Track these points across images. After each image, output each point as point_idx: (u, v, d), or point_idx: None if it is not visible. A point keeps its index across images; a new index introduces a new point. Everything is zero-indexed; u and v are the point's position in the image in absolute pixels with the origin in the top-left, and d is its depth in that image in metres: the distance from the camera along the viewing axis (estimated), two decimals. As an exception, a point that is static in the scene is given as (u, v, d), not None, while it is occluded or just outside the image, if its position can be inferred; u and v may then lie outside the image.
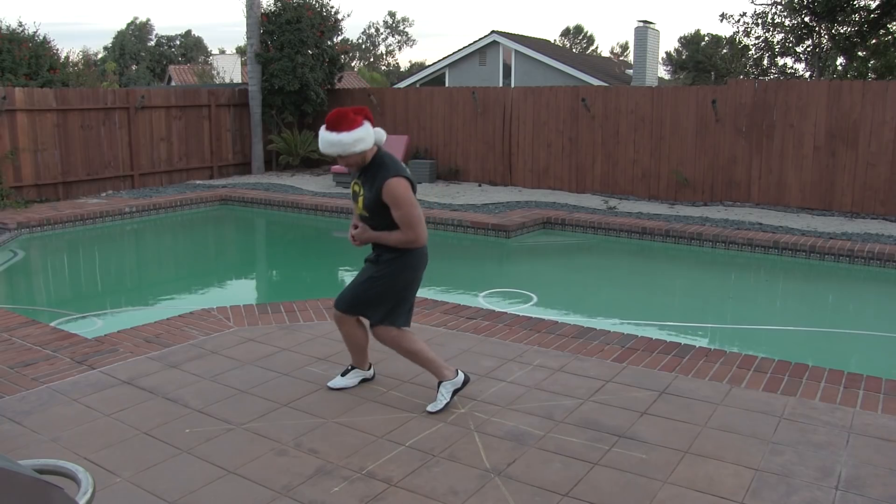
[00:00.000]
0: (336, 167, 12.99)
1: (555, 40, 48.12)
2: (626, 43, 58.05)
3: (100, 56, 47.18)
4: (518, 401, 3.94)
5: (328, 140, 3.59)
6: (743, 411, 3.80)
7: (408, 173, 3.67)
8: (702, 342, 5.66)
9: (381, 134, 3.66)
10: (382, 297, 3.76)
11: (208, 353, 4.65)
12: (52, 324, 5.72)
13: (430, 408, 3.79)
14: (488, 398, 3.98)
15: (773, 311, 7.18)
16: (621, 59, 43.67)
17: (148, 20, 55.34)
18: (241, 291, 8.13)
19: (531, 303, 6.66)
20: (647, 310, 7.03)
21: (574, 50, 44.42)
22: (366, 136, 3.58)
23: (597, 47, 56.42)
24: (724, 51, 36.66)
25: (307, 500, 3.00)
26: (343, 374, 4.12)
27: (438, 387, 3.84)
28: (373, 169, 3.66)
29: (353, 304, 3.82)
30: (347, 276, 8.49)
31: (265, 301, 6.34)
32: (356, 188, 3.77)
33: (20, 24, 12.75)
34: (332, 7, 14.89)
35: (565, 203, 10.99)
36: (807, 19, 19.15)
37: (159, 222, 10.94)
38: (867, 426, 3.63)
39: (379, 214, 3.66)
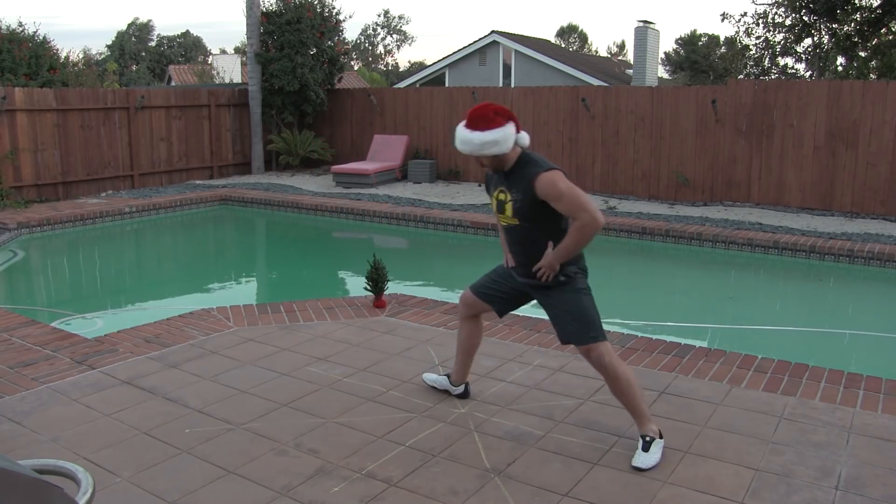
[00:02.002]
0: (337, 167, 12.99)
1: (554, 40, 48.11)
2: (623, 42, 58.08)
3: (101, 56, 47.18)
4: (518, 401, 3.94)
5: (462, 137, 3.34)
6: (743, 411, 3.80)
7: (559, 167, 3.37)
8: (702, 342, 5.66)
9: (524, 138, 3.38)
10: (595, 308, 3.42)
11: (208, 353, 4.65)
12: (52, 324, 5.72)
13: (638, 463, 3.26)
14: (488, 398, 3.98)
15: (773, 311, 7.18)
16: (619, 58, 43.67)
17: (149, 21, 55.37)
18: (241, 291, 8.12)
19: (531, 303, 6.65)
20: (647, 310, 7.03)
21: (570, 50, 44.41)
22: (502, 139, 3.28)
23: (591, 45, 56.45)
24: (722, 50, 36.67)
25: (307, 500, 3.00)
26: (441, 374, 4.12)
27: (641, 439, 3.32)
28: (518, 170, 3.36)
29: (582, 330, 3.35)
30: (348, 276, 8.50)
31: (265, 301, 6.34)
32: (501, 196, 3.44)
33: (20, 24, 12.76)
34: (333, 8, 14.89)
35: (565, 203, 10.97)
36: (805, 18, 19.15)
37: (159, 222, 10.93)
38: (867, 426, 3.63)
39: (533, 219, 3.34)
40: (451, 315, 5.48)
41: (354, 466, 3.26)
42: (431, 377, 4.09)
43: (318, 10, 14.50)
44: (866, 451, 3.38)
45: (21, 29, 12.66)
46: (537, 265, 3.39)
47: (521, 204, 3.34)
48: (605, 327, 4.90)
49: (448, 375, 4.01)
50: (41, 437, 3.53)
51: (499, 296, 3.72)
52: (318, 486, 3.10)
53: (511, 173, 3.39)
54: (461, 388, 3.97)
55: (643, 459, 3.24)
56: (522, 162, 3.39)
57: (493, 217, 10.34)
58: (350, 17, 21.00)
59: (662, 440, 3.36)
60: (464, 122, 3.37)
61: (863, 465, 3.26)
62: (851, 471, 3.21)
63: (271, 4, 14.48)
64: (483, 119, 3.30)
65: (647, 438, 3.29)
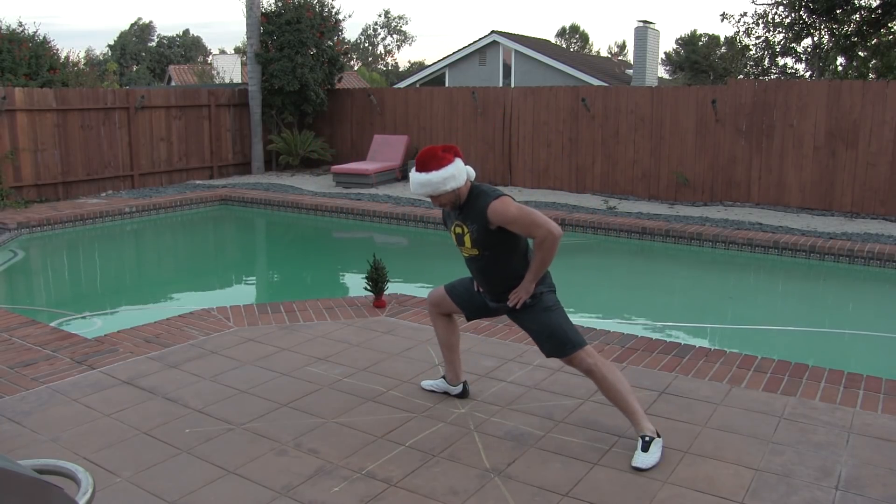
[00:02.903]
0: (337, 167, 12.99)
1: (554, 40, 48.11)
2: (624, 42, 58.08)
3: (103, 56, 47.21)
4: (518, 401, 3.94)
5: (419, 181, 3.43)
6: (743, 411, 3.80)
7: (506, 193, 3.49)
8: (702, 342, 5.66)
9: (471, 171, 3.50)
10: (567, 320, 3.51)
11: (208, 353, 4.65)
12: (52, 324, 5.72)
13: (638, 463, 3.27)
14: (488, 398, 3.98)
15: (773, 311, 7.18)
16: (619, 58, 43.68)
17: (151, 22, 55.40)
18: (241, 291, 8.13)
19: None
20: (647, 310, 7.03)
21: (570, 50, 44.42)
22: (456, 174, 3.40)
23: (591, 45, 56.46)
24: (722, 50, 36.68)
25: (307, 500, 3.00)
26: (435, 379, 4.12)
27: (640, 439, 3.32)
28: (470, 202, 3.47)
29: (561, 344, 3.42)
30: (348, 276, 8.50)
31: (265, 301, 6.34)
32: (458, 230, 3.56)
33: (20, 24, 12.76)
34: (333, 7, 14.90)
35: (565, 203, 10.99)
36: (805, 16, 19.15)
37: (159, 222, 10.94)
38: (867, 426, 3.63)
39: (492, 246, 3.46)
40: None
41: (354, 466, 3.26)
42: (429, 383, 4.09)
43: (318, 10, 14.50)
44: (866, 451, 3.38)
45: (21, 29, 12.67)
46: (513, 294, 3.50)
47: (477, 234, 3.46)
48: (606, 327, 4.90)
49: (444, 377, 4.02)
50: (41, 437, 3.53)
51: (469, 305, 3.77)
52: (318, 486, 3.10)
53: (465, 206, 3.50)
54: (460, 387, 3.98)
55: (643, 459, 3.25)
56: (474, 194, 3.49)
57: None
58: (349, 16, 21.01)
59: (661, 439, 3.36)
60: (414, 168, 3.48)
61: (863, 465, 3.26)
62: (851, 471, 3.21)
63: (271, 4, 14.49)
64: (434, 158, 3.40)
65: (646, 438, 3.30)
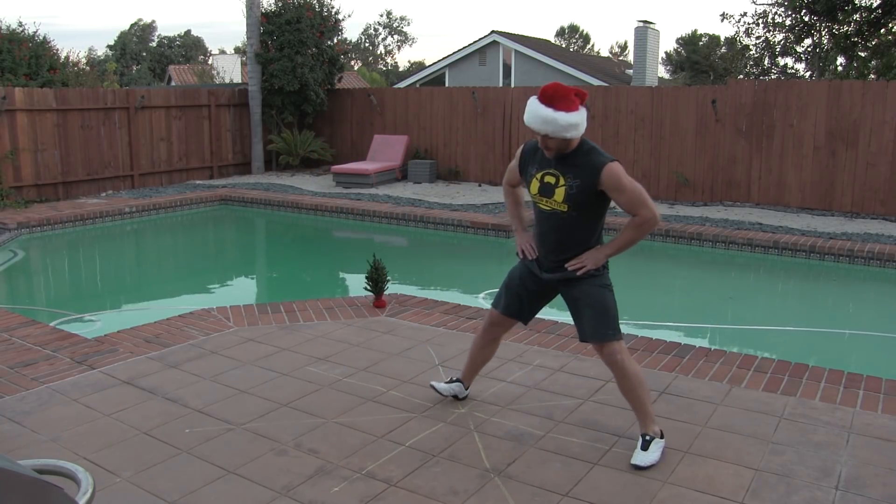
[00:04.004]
0: (337, 167, 12.99)
1: (554, 41, 48.11)
2: (625, 43, 58.07)
3: (103, 56, 47.20)
4: (518, 401, 3.94)
5: (543, 115, 3.13)
6: (743, 411, 3.80)
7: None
8: (702, 342, 5.66)
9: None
10: (615, 306, 3.39)
11: (208, 353, 4.65)
12: (52, 324, 5.72)
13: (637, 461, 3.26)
14: (488, 398, 3.98)
15: (773, 311, 7.18)
16: (620, 59, 43.67)
17: (152, 21, 55.42)
18: (241, 291, 8.13)
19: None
20: (647, 310, 7.03)
21: (571, 50, 44.44)
22: (581, 123, 3.17)
23: (593, 46, 56.46)
24: (723, 50, 36.69)
25: (307, 500, 3.00)
26: (447, 381, 3.96)
27: (641, 438, 3.32)
28: (579, 156, 3.24)
29: (604, 326, 3.32)
30: (348, 276, 8.50)
31: (265, 301, 6.34)
32: (550, 179, 3.29)
33: (20, 24, 12.76)
34: (333, 7, 14.89)
35: (565, 203, 10.97)
36: (806, 18, 19.15)
37: (159, 222, 10.93)
38: (867, 426, 3.63)
39: (582, 208, 3.27)
40: (451, 315, 5.48)
41: (354, 466, 3.26)
42: (442, 386, 3.91)
43: (318, 10, 14.50)
44: (866, 451, 3.38)
45: (21, 29, 12.67)
46: (578, 260, 3.34)
47: (576, 190, 3.24)
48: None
49: (458, 381, 3.93)
50: (41, 437, 3.53)
51: (525, 306, 3.61)
52: (318, 486, 3.10)
53: (569, 158, 3.26)
54: (467, 392, 3.97)
55: (642, 458, 3.24)
56: (585, 148, 3.27)
57: (493, 217, 10.37)
58: (349, 16, 21.00)
59: (663, 440, 3.36)
60: (538, 98, 3.19)
61: (863, 465, 3.26)
62: (851, 471, 3.21)
63: (271, 4, 14.48)
64: (565, 99, 3.15)
65: (647, 437, 3.30)
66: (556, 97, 3.14)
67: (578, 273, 3.35)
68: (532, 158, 3.44)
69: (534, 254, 3.52)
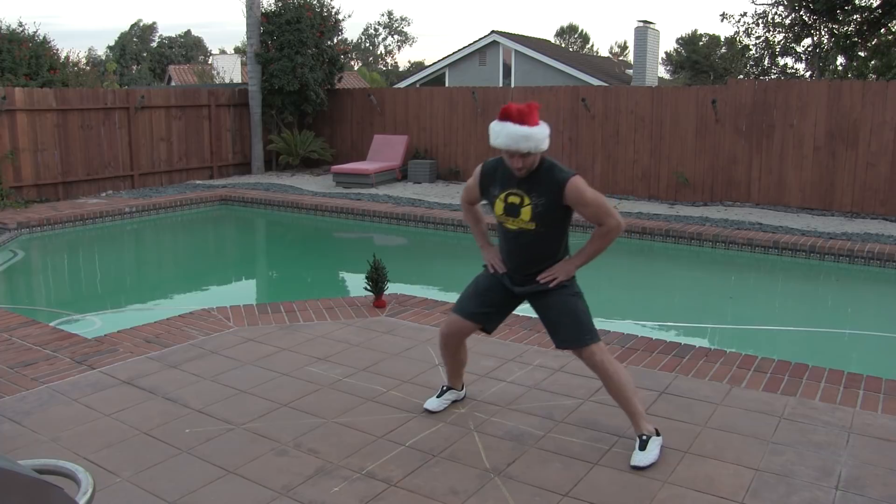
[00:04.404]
0: (337, 167, 12.98)
1: (554, 41, 48.11)
2: (625, 42, 58.07)
3: (103, 56, 47.20)
4: (518, 401, 3.94)
5: (521, 133, 3.16)
6: (743, 411, 3.80)
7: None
8: (702, 342, 5.66)
9: None
10: (588, 311, 3.42)
11: (208, 353, 4.65)
12: (52, 324, 5.72)
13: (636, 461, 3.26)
14: (488, 398, 3.98)
15: (773, 311, 7.18)
16: (620, 58, 43.66)
17: (154, 23, 55.38)
18: (241, 291, 8.13)
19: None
20: (647, 310, 7.03)
21: (570, 50, 44.43)
22: (548, 137, 3.25)
23: (592, 45, 56.49)
24: (723, 50, 36.69)
25: (307, 500, 3.00)
26: (438, 395, 3.85)
27: (638, 438, 3.33)
28: (541, 174, 3.30)
29: (581, 332, 3.36)
30: (348, 276, 8.50)
31: (265, 301, 6.34)
32: (514, 199, 3.34)
33: (20, 24, 12.75)
34: (333, 7, 14.90)
35: (565, 203, 10.97)
36: (805, 17, 19.15)
37: (159, 222, 10.94)
38: (867, 426, 3.63)
39: (550, 224, 3.34)
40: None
41: (354, 466, 3.26)
42: (435, 402, 3.81)
43: (318, 10, 14.49)
44: (866, 451, 3.38)
45: (21, 29, 12.67)
46: (550, 272, 3.39)
47: (542, 208, 3.29)
48: (606, 327, 4.89)
49: (451, 388, 3.88)
50: (41, 437, 3.53)
51: (492, 312, 3.59)
52: (318, 486, 3.10)
53: (531, 176, 3.31)
54: (464, 391, 3.97)
55: (641, 458, 3.24)
56: (546, 166, 3.33)
57: (492, 217, 10.23)
58: (349, 16, 20.98)
59: (660, 438, 3.36)
60: (506, 119, 3.23)
61: (863, 465, 3.26)
62: (851, 471, 3.21)
63: (270, 4, 14.48)
64: (529, 115, 3.21)
65: (644, 437, 3.30)
66: (524, 115, 3.21)
67: (550, 286, 3.40)
68: (493, 179, 3.47)
69: (503, 268, 3.56)
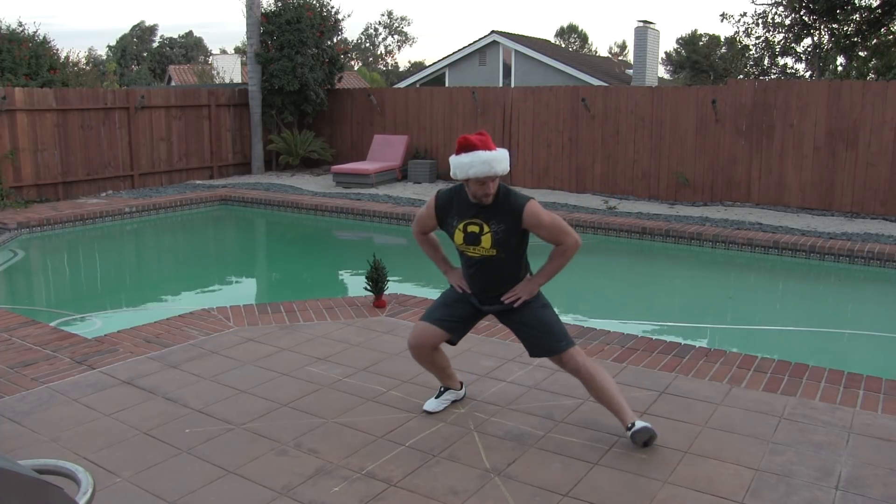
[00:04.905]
0: (337, 167, 12.98)
1: (553, 40, 48.11)
2: (624, 42, 58.08)
3: (104, 56, 47.24)
4: (518, 401, 3.94)
5: (490, 157, 3.24)
6: (743, 411, 3.80)
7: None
8: (702, 342, 5.66)
9: None
10: (558, 318, 3.53)
11: (208, 353, 4.65)
12: (52, 324, 5.72)
13: None
14: (488, 398, 3.98)
15: (773, 311, 7.18)
16: (620, 58, 43.67)
17: (154, 25, 55.40)
18: (241, 291, 8.12)
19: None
20: (647, 310, 7.03)
21: (570, 49, 44.44)
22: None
23: (591, 45, 56.50)
24: (723, 50, 36.70)
25: (307, 500, 3.00)
26: (437, 396, 3.83)
27: (629, 430, 3.41)
28: (498, 201, 3.37)
29: (555, 340, 3.45)
30: (347, 276, 8.50)
31: (265, 301, 6.34)
32: (474, 228, 3.40)
33: (20, 24, 12.75)
34: (333, 7, 14.90)
35: (565, 203, 10.99)
36: (805, 18, 19.15)
37: (159, 222, 10.94)
38: (867, 426, 3.63)
39: (511, 249, 3.42)
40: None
41: (354, 466, 3.26)
42: (434, 403, 3.80)
43: (318, 10, 14.49)
44: (866, 451, 3.38)
45: (21, 29, 12.66)
46: (513, 292, 3.49)
47: (503, 235, 3.38)
48: (606, 327, 4.90)
49: (445, 389, 3.85)
50: (41, 437, 3.53)
51: (458, 323, 3.62)
52: (318, 486, 3.10)
53: (492, 204, 3.38)
54: (463, 390, 3.95)
55: (639, 438, 3.40)
56: (502, 192, 3.41)
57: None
58: (349, 16, 20.98)
59: (645, 423, 3.43)
60: (472, 148, 3.29)
61: (863, 465, 3.26)
62: (851, 471, 3.21)
63: (270, 4, 14.48)
64: (489, 141, 3.35)
65: (630, 425, 3.41)
66: (487, 142, 3.32)
67: (515, 305, 3.49)
68: (449, 210, 3.51)
69: (469, 290, 3.61)
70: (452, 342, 3.69)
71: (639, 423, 3.39)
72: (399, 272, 7.83)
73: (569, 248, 3.43)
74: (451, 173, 3.36)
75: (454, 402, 3.90)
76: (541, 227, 3.38)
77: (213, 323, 5.28)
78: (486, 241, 3.40)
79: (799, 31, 19.78)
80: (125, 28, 74.15)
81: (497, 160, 3.27)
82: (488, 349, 4.70)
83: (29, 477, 1.29)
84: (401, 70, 50.22)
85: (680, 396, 3.99)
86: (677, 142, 11.20)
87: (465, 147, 3.31)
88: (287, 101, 14.43)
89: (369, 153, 13.82)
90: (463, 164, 3.30)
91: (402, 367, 4.42)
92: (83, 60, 16.98)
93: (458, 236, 3.47)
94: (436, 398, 3.84)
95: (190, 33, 53.70)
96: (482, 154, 3.27)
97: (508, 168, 3.34)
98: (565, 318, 5.74)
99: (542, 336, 3.48)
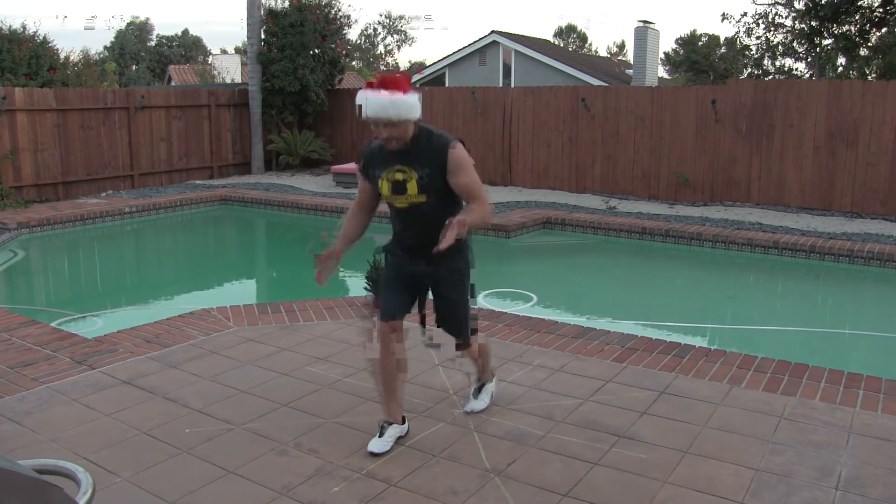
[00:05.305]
0: (337, 167, 12.98)
1: (553, 40, 48.11)
2: (623, 42, 58.07)
3: (100, 55, 47.18)
4: (518, 401, 3.94)
5: (382, 102, 3.02)
6: (743, 411, 3.80)
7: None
8: (702, 342, 5.66)
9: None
10: (469, 314, 3.47)
11: (208, 353, 4.65)
12: (52, 324, 5.72)
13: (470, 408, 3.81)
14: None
15: (773, 311, 7.18)
16: (619, 58, 43.66)
17: (147, 19, 55.37)
18: (241, 291, 8.12)
19: (531, 303, 6.65)
20: (647, 310, 7.03)
21: (569, 49, 44.44)
22: (418, 104, 3.12)
23: (591, 45, 56.47)
24: (722, 50, 36.70)
25: (307, 500, 3.00)
26: (380, 435, 3.40)
27: (481, 389, 3.86)
28: (421, 143, 3.18)
29: (466, 329, 3.44)
30: (348, 276, 8.49)
31: (265, 301, 6.34)
32: (398, 176, 3.21)
33: (23, 27, 12.73)
34: (339, 11, 14.84)
35: (565, 203, 10.99)
36: (813, 23, 19.14)
37: (159, 222, 10.93)
38: (867, 426, 3.63)
39: (440, 193, 3.20)
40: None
41: (354, 466, 3.26)
42: (378, 443, 3.39)
43: (324, 14, 14.44)
44: (866, 451, 3.38)
45: (21, 29, 12.66)
46: (444, 239, 2.95)
47: (429, 179, 3.18)
48: (606, 327, 4.90)
49: (387, 423, 3.47)
50: (41, 437, 3.53)
51: (405, 297, 3.45)
52: (318, 486, 3.10)
53: (412, 148, 3.19)
54: (406, 425, 3.55)
55: (473, 405, 3.80)
56: (424, 134, 3.21)
57: (493, 217, 10.31)
58: (356, 21, 21.06)
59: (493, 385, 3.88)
60: (371, 89, 3.09)
61: (863, 465, 3.26)
62: (851, 471, 3.21)
63: (277, 3, 14.43)
64: (395, 83, 3.07)
65: (480, 384, 3.84)
66: (389, 83, 3.07)
67: (442, 247, 2.94)
68: (373, 161, 3.33)
69: (321, 282, 3.48)
70: (399, 317, 3.43)
71: (484, 394, 3.84)
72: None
73: (486, 205, 3.17)
74: None
75: (449, 394, 3.90)
76: (463, 170, 3.15)
77: (213, 323, 5.27)
78: (412, 187, 3.20)
79: (800, 32, 19.76)
80: (120, 25, 74.02)
81: (393, 105, 3.03)
82: (488, 349, 4.70)
83: (29, 477, 1.29)
84: (401, 70, 50.17)
85: (680, 396, 3.99)
86: (677, 142, 11.20)
87: (367, 85, 3.14)
88: (287, 101, 14.43)
89: (369, 153, 13.80)
90: (363, 105, 3.08)
91: (402, 367, 4.41)
92: (81, 62, 16.92)
93: (385, 186, 3.27)
94: (379, 437, 3.40)
95: (187, 32, 53.70)
96: (381, 98, 3.03)
97: (413, 115, 3.11)
98: (566, 319, 5.74)
99: (455, 320, 3.46)
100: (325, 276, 3.47)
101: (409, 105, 3.08)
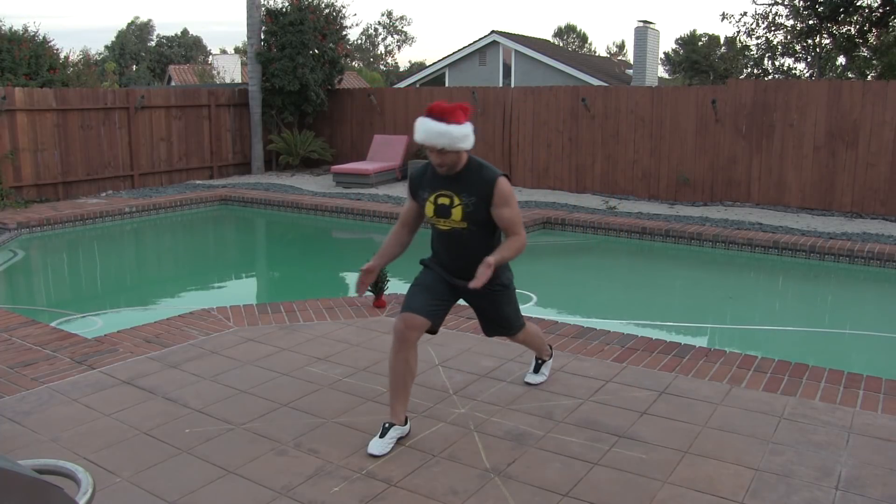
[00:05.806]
0: (337, 167, 12.98)
1: (552, 40, 48.11)
2: (622, 42, 58.08)
3: (100, 56, 47.17)
4: (518, 401, 3.94)
5: (437, 129, 3.22)
6: (743, 411, 3.80)
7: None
8: (702, 342, 5.66)
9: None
10: (517, 306, 3.76)
11: (208, 353, 4.65)
12: (52, 324, 5.72)
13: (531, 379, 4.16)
14: (488, 398, 3.98)
15: (774, 311, 7.18)
16: (619, 58, 43.67)
17: (149, 21, 55.36)
18: (241, 291, 8.12)
19: (531, 303, 6.66)
20: (647, 310, 7.03)
21: (569, 49, 44.45)
22: (471, 135, 3.30)
23: (590, 45, 56.48)
24: (722, 50, 36.69)
25: (307, 500, 3.00)
26: (381, 436, 3.42)
27: (541, 365, 4.20)
28: (471, 173, 3.36)
29: (518, 322, 3.78)
30: (348, 276, 8.49)
31: (265, 301, 6.34)
32: (444, 200, 3.38)
33: (24, 28, 12.72)
34: (339, 11, 14.83)
35: (565, 203, 10.99)
36: (812, 22, 19.14)
37: (159, 222, 10.93)
38: (867, 426, 3.63)
39: (481, 222, 3.39)
40: (451, 315, 5.46)
41: (354, 466, 3.26)
42: (379, 446, 3.38)
43: (325, 13, 14.44)
44: (866, 451, 3.38)
45: (22, 30, 12.65)
46: (491, 261, 3.22)
47: (473, 208, 3.36)
48: (606, 327, 4.93)
49: (390, 425, 3.44)
50: (41, 437, 3.53)
51: (441, 309, 3.51)
52: (318, 486, 3.10)
53: (461, 176, 3.37)
54: (408, 426, 3.54)
55: (531, 378, 4.16)
56: (475, 164, 3.39)
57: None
58: (356, 24, 21.03)
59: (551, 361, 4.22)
60: (428, 116, 3.27)
61: (863, 465, 3.26)
62: (851, 471, 3.21)
63: (276, 3, 14.43)
64: (451, 113, 3.25)
65: (540, 361, 4.17)
66: (445, 112, 3.25)
67: (478, 286, 3.19)
68: (422, 183, 3.50)
69: (360, 293, 3.55)
70: (433, 330, 3.53)
71: (544, 368, 4.18)
72: (399, 272, 7.83)
73: (522, 240, 3.37)
74: None
75: (449, 394, 3.90)
76: (507, 205, 3.34)
77: (213, 323, 5.28)
78: (457, 213, 3.37)
79: (807, 30, 19.74)
80: (121, 25, 74.04)
81: (441, 134, 3.21)
82: (488, 349, 4.71)
83: (29, 477, 1.29)
84: (401, 70, 50.21)
85: (680, 396, 3.99)
86: (677, 142, 11.20)
87: (425, 111, 3.30)
88: (287, 101, 14.43)
89: (369, 153, 13.82)
90: (418, 128, 3.29)
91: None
92: (81, 62, 16.92)
93: (430, 208, 3.45)
94: (380, 437, 3.40)
95: (185, 31, 53.69)
96: (429, 122, 3.25)
97: (463, 145, 3.27)
98: (566, 319, 5.74)
99: (507, 321, 3.72)
100: (363, 289, 3.56)
101: (461, 136, 3.26)
